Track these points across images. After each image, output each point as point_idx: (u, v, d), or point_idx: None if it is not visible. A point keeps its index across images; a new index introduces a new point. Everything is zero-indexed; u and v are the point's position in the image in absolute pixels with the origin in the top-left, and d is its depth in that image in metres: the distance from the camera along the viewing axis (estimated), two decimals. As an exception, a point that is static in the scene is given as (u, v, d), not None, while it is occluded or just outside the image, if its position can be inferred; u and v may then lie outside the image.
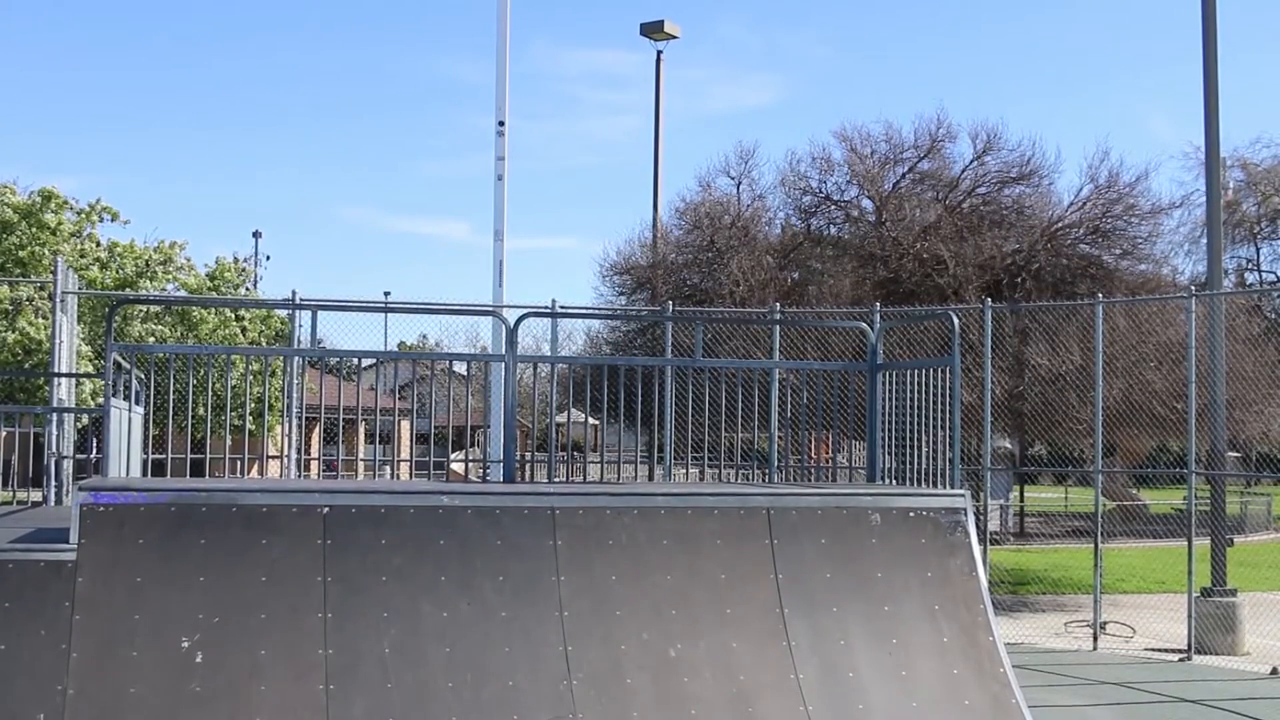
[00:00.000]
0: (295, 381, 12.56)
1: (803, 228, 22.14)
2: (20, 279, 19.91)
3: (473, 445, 20.34)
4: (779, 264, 21.18)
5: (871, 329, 10.78)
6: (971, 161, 21.16)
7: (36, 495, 11.86)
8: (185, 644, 6.44)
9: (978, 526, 8.32)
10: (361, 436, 23.42)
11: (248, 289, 25.20)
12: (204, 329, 22.48)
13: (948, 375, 8.54)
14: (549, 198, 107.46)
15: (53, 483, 11.60)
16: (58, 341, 13.20)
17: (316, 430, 19.40)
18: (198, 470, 10.59)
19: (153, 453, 10.91)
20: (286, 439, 12.26)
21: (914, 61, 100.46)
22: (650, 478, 14.90)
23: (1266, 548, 24.59)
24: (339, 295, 15.53)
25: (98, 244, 22.53)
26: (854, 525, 7.76)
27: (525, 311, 9.90)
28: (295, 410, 12.20)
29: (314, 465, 13.83)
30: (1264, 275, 33.08)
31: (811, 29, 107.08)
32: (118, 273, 21.91)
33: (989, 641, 7.57)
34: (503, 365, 8.88)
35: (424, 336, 54.58)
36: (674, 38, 27.92)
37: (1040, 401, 17.69)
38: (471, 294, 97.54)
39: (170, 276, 23.23)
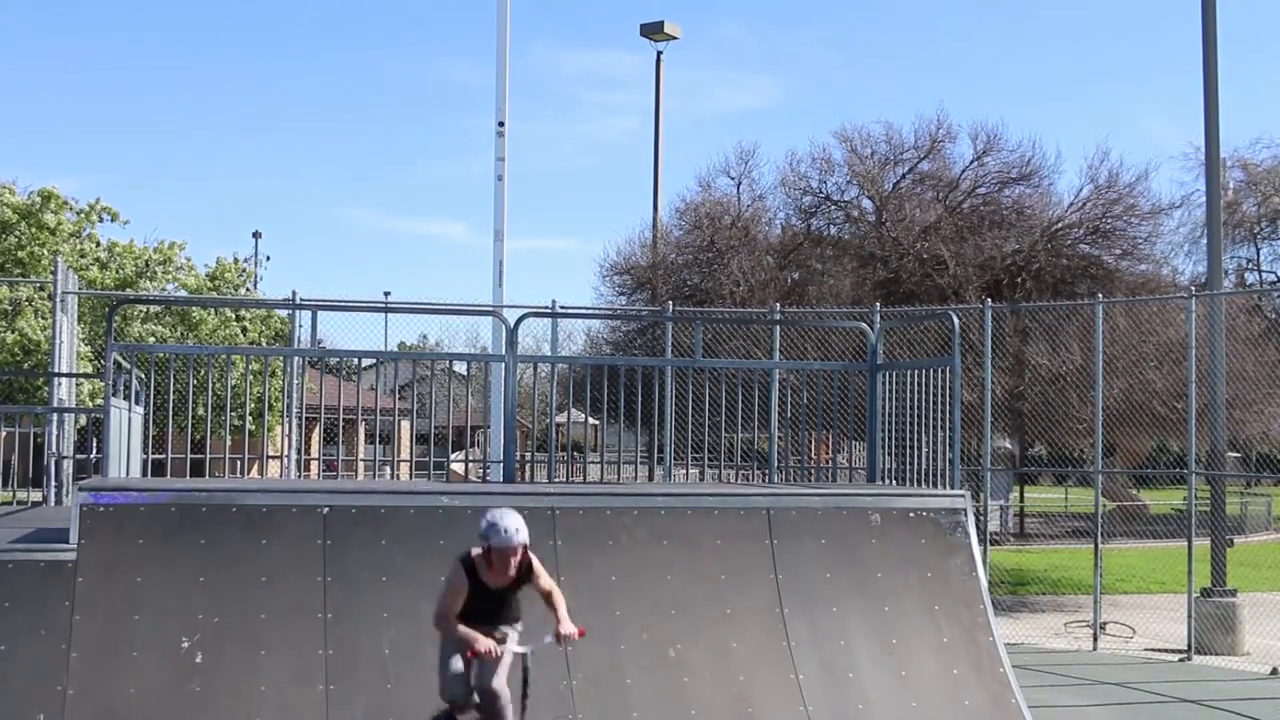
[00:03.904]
0: (295, 382, 12.55)
1: (803, 228, 22.12)
2: (20, 279, 19.90)
3: (472, 445, 20.35)
4: (779, 264, 21.17)
5: (871, 329, 10.78)
6: (971, 162, 21.15)
7: (36, 495, 11.86)
8: (185, 644, 6.44)
9: (977, 527, 8.32)
10: (361, 437, 23.44)
11: (248, 289, 25.20)
12: (204, 329, 22.47)
13: (948, 375, 8.54)
14: (548, 198, 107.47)
15: (53, 483, 11.59)
16: (58, 342, 13.19)
17: (316, 430, 19.40)
18: (198, 470, 10.59)
19: (153, 453, 10.91)
20: (286, 439, 12.25)
21: (914, 62, 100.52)
22: (650, 478, 14.90)
23: (1266, 548, 24.58)
24: (339, 295, 15.54)
25: (97, 244, 22.53)
26: (854, 525, 7.76)
27: (525, 312, 9.91)
28: (295, 410, 12.18)
29: (314, 465, 13.82)
30: (1264, 275, 33.07)
31: (810, 31, 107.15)
32: (117, 273, 21.90)
33: (989, 641, 7.58)
34: (503, 365, 8.89)
35: (424, 336, 54.62)
36: (674, 38, 27.91)
37: (1040, 401, 17.69)
38: (471, 294, 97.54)
39: (170, 277, 23.22)
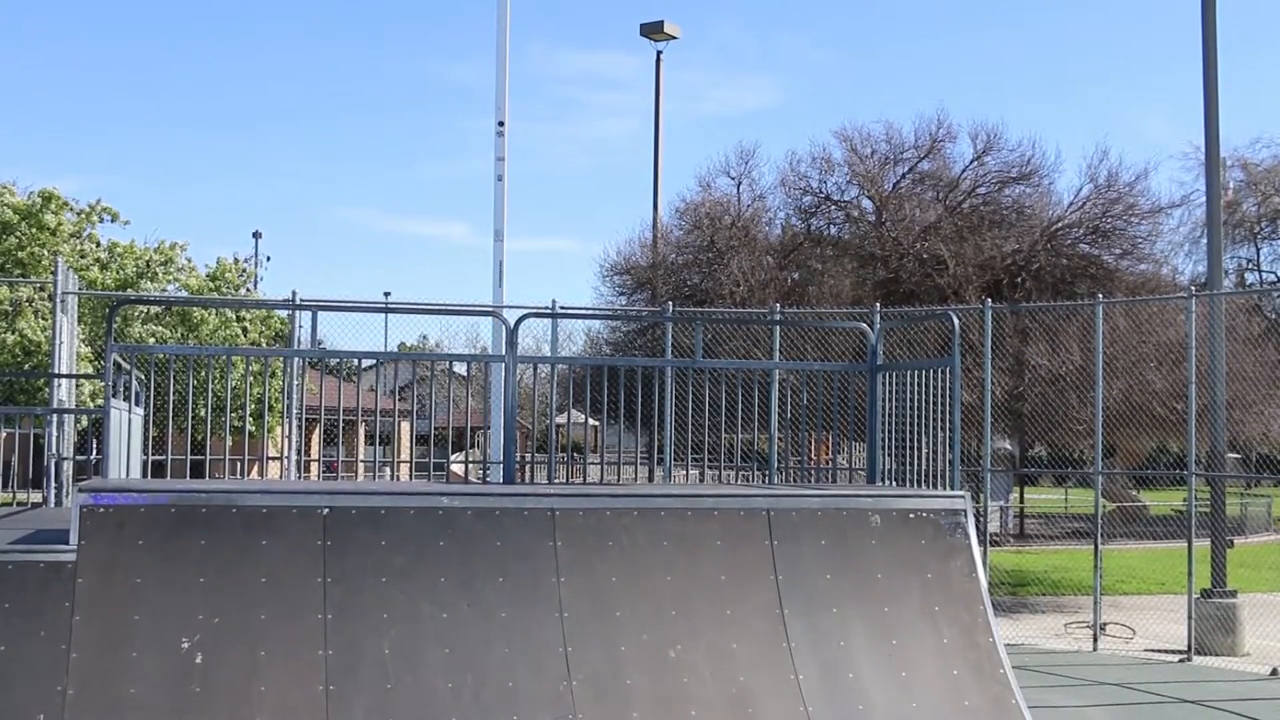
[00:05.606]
0: (295, 382, 12.55)
1: (803, 228, 22.13)
2: (20, 279, 19.90)
3: (473, 446, 20.34)
4: (779, 264, 21.18)
5: (871, 329, 10.78)
6: (971, 161, 21.16)
7: (36, 496, 11.86)
8: (185, 645, 6.44)
9: (978, 528, 8.32)
10: (361, 437, 23.43)
11: (248, 290, 25.20)
12: (204, 330, 22.47)
13: (948, 376, 8.53)
14: (548, 199, 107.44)
15: (52, 484, 11.59)
16: (58, 342, 13.19)
17: (316, 431, 19.40)
18: (198, 471, 10.58)
19: (153, 454, 10.91)
20: (286, 440, 12.26)
21: (914, 62, 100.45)
22: (650, 479, 14.89)
23: (1266, 549, 24.59)
24: (339, 296, 15.54)
25: (98, 244, 22.52)
26: (854, 527, 7.76)
27: (525, 312, 9.90)
28: (295, 411, 12.19)
29: (314, 466, 13.82)
30: (1264, 275, 33.07)
31: (809, 32, 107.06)
32: (118, 273, 21.90)
33: (989, 642, 7.58)
34: (503, 366, 8.88)
35: (424, 337, 54.62)
36: (674, 38, 27.93)
37: (1040, 402, 17.69)
38: (471, 294, 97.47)
39: (171, 277, 23.22)
